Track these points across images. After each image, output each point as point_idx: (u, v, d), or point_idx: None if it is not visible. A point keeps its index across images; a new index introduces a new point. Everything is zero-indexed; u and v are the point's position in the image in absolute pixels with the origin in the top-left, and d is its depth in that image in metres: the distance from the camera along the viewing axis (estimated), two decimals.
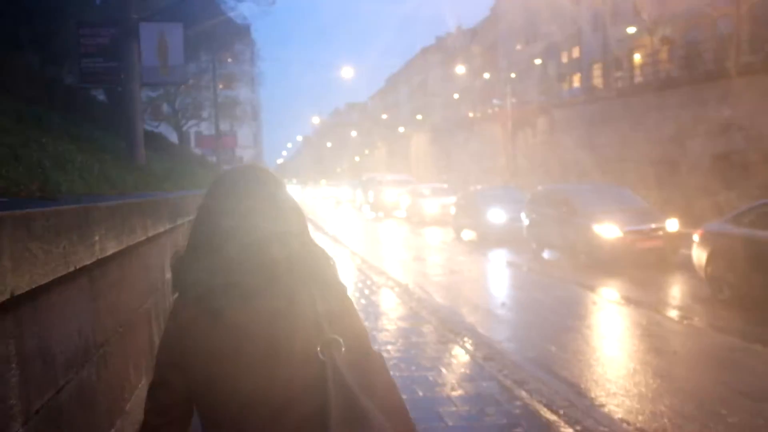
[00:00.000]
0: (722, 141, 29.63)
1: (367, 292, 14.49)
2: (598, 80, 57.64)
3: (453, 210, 29.18)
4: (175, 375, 2.12)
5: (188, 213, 7.16)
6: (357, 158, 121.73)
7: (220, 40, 41.20)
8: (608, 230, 16.49)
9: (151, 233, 4.74)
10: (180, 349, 2.10)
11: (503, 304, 13.60)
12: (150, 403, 2.18)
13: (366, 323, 3.28)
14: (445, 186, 39.82)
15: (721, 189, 27.59)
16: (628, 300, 13.33)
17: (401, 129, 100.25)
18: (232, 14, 41.20)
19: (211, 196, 2.25)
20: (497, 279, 18.27)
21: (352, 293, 11.90)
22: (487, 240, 24.51)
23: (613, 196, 18.78)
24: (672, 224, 16.84)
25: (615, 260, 16.26)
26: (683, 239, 16.44)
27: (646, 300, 13.22)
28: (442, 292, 15.16)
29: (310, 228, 2.37)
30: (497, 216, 24.43)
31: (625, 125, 37.39)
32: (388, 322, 11.48)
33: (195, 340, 2.07)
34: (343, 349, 2.07)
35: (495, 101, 76.69)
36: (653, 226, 16.63)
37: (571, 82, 63.65)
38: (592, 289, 14.61)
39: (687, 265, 14.45)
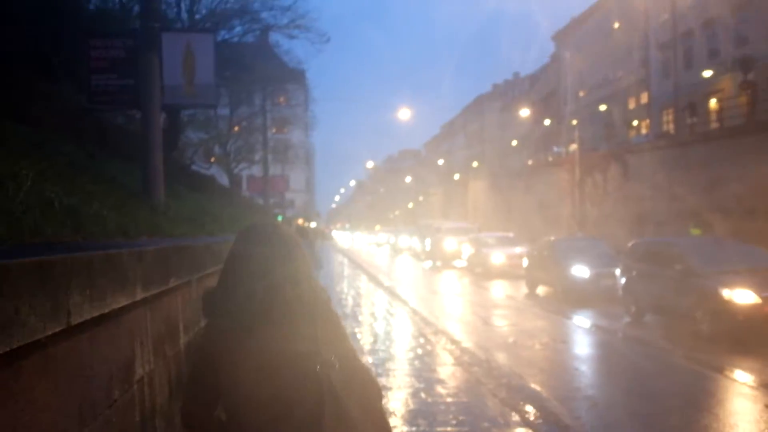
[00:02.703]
0: None
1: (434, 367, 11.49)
2: (668, 126, 54.76)
3: (525, 262, 26.03)
4: (208, 373, 2.89)
5: (203, 266, 5.71)
6: (411, 204, 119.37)
7: (274, 84, 40.21)
8: (741, 295, 13.20)
9: (91, 314, 2.82)
10: (214, 354, 2.86)
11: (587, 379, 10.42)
12: (186, 395, 3.13)
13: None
14: (511, 235, 36.82)
15: None
16: None
17: (456, 176, 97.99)
18: (286, 57, 40.19)
19: (238, 243, 3.06)
20: (583, 347, 15.14)
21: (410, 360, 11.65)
22: (568, 298, 21.21)
23: (738, 252, 15.48)
24: None
25: (750, 333, 12.91)
26: None
27: None
28: (525, 367, 12.11)
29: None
30: (581, 270, 21.19)
31: (711, 172, 33.96)
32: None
33: (227, 349, 2.81)
34: (336, 367, 2.82)
35: (555, 149, 74.41)
36: None
37: (639, 128, 60.56)
38: (719, 370, 11.48)
39: None
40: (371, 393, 3.01)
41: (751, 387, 10.41)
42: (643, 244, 18.57)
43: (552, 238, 28.65)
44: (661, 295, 15.67)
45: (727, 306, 13.31)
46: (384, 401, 9.18)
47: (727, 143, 34.41)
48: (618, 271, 18.26)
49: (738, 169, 32.04)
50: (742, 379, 10.88)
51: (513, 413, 8.60)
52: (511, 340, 14.52)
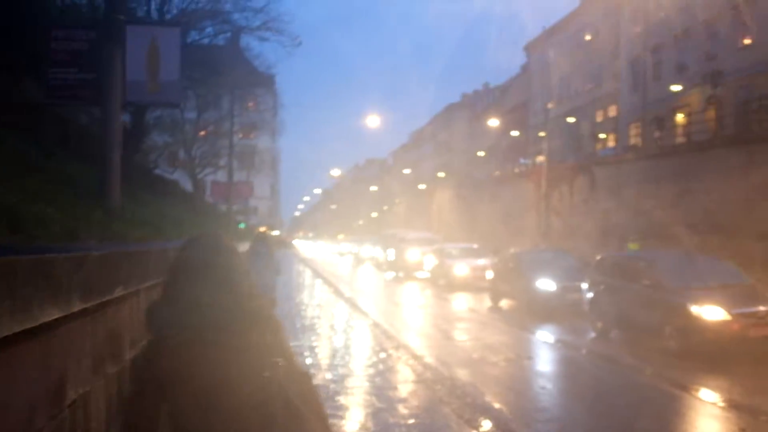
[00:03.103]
0: None
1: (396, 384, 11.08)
2: (635, 139, 54.96)
3: (490, 274, 25.65)
4: (152, 387, 2.76)
5: (158, 273, 5.01)
6: (374, 214, 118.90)
7: (243, 88, 39.89)
8: (710, 312, 12.94)
9: (12, 329, 2.42)
10: (166, 370, 2.73)
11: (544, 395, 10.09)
12: (130, 410, 2.99)
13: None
14: (475, 246, 36.28)
15: None
16: (738, 407, 9.97)
17: (422, 186, 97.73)
18: (256, 62, 39.87)
19: (184, 252, 3.06)
20: (548, 364, 14.74)
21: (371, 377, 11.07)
22: (532, 312, 20.79)
23: (709, 268, 15.15)
24: None
25: (719, 350, 12.67)
26: None
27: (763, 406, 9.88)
28: (488, 384, 11.71)
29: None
30: (547, 284, 20.90)
31: (678, 186, 33.96)
32: None
33: (171, 364, 2.72)
34: (281, 368, 2.84)
35: (522, 160, 74.50)
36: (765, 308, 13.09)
37: (606, 141, 60.76)
38: (687, 389, 11.20)
39: None
40: (312, 392, 3.07)
41: (721, 408, 10.09)
42: (611, 257, 18.29)
43: (517, 250, 28.41)
44: (629, 311, 15.35)
45: (696, 322, 13.03)
46: (342, 422, 8.90)
47: (694, 157, 34.51)
48: (584, 285, 18.02)
49: (705, 184, 32.07)
50: (711, 398, 10.57)
51: None
52: (475, 355, 14.11)
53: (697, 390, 11.03)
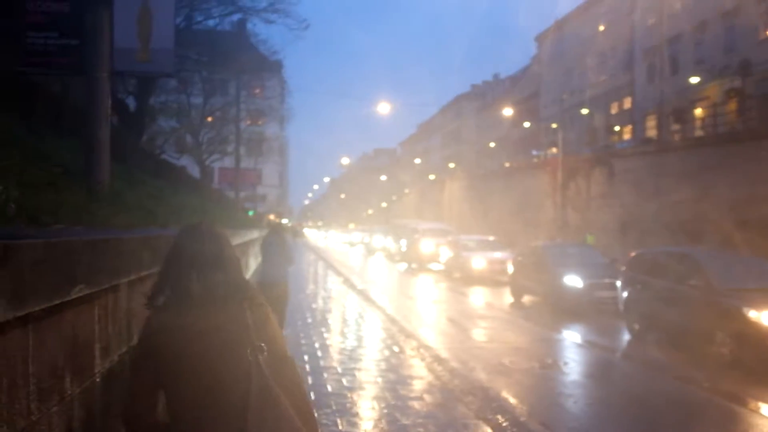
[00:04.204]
0: None
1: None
2: (652, 132, 53.74)
3: (511, 268, 24.39)
4: (147, 364, 2.93)
5: (138, 265, 4.33)
6: (384, 204, 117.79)
7: (249, 73, 39.11)
8: None
9: None
10: (153, 346, 2.92)
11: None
12: (128, 396, 3.11)
13: None
14: (491, 239, 35.05)
15: None
16: None
17: (432, 176, 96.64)
18: (263, 47, 39.02)
19: (176, 241, 3.18)
20: (587, 369, 13.30)
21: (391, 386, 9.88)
22: (558, 309, 19.61)
23: (761, 268, 13.77)
24: None
25: None
26: None
27: None
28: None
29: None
30: (574, 280, 19.67)
31: (701, 180, 32.64)
32: None
33: (165, 340, 2.89)
34: (265, 353, 2.96)
35: (534, 152, 73.32)
36: None
37: (621, 134, 59.53)
38: (741, 402, 10.06)
39: None
40: (297, 376, 3.21)
41: None
42: (650, 254, 16.95)
43: (540, 243, 27.18)
44: (671, 313, 14.10)
45: (753, 328, 11.75)
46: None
47: (719, 150, 33.17)
48: (619, 283, 16.75)
49: (729, 178, 30.77)
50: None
51: None
52: (506, 360, 12.85)
53: (756, 405, 9.83)
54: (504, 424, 8.24)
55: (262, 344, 2.96)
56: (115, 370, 4.01)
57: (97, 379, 3.69)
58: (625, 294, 16.11)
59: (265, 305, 3.20)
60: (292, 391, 3.05)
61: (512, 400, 9.95)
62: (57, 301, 2.78)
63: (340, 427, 7.70)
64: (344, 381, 10.14)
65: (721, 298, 12.64)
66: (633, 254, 17.32)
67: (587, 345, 15.26)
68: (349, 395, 9.30)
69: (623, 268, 17.35)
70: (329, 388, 9.60)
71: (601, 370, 13.02)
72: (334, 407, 8.51)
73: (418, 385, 10.06)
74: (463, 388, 10.07)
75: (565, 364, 12.93)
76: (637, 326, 15.43)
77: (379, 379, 10.40)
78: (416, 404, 8.90)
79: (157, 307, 3.03)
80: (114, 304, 3.96)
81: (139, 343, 3.08)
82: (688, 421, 9.31)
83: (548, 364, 12.72)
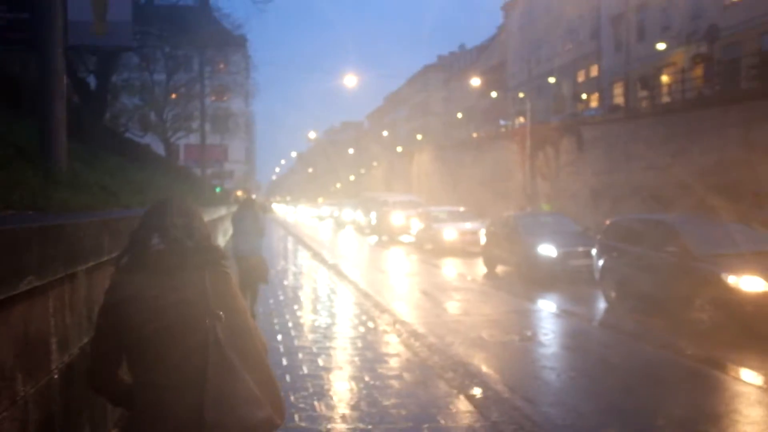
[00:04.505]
0: None
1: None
2: (619, 99, 53.88)
3: (483, 239, 24.19)
4: (109, 330, 2.97)
5: (98, 251, 4.05)
6: (352, 177, 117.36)
7: (213, 48, 38.55)
8: (749, 282, 11.52)
9: None
10: (116, 314, 2.94)
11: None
12: (91, 354, 3.18)
13: None
14: (462, 209, 34.88)
15: None
16: None
17: (399, 149, 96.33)
18: (227, 21, 38.69)
19: (147, 212, 3.22)
20: (557, 339, 13.03)
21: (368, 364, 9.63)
22: (533, 279, 19.45)
23: (739, 233, 13.46)
24: None
25: (759, 325, 11.24)
26: None
27: None
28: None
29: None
30: (548, 249, 19.49)
31: (670, 146, 32.62)
32: None
33: (127, 310, 2.91)
34: (223, 320, 2.94)
35: (502, 122, 73.31)
36: None
37: (588, 102, 59.59)
38: (721, 367, 9.94)
39: None
40: (257, 347, 3.13)
41: (766, 390, 8.85)
42: (625, 221, 16.73)
43: (513, 213, 27.02)
44: (648, 280, 13.97)
45: (732, 294, 11.60)
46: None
47: (685, 116, 33.16)
48: (594, 252, 16.60)
49: (698, 144, 30.77)
50: (754, 380, 9.30)
51: None
52: (484, 333, 12.61)
53: (736, 371, 9.70)
54: (487, 401, 8.02)
55: (221, 312, 2.97)
56: (76, 364, 3.71)
57: (56, 376, 3.42)
58: (600, 262, 15.93)
59: (228, 273, 3.19)
60: (253, 365, 3.03)
61: (494, 375, 9.74)
62: (2, 296, 2.48)
63: (318, 411, 7.40)
64: (320, 361, 9.84)
65: (698, 263, 12.49)
66: (608, 222, 17.17)
67: (564, 314, 15.09)
68: (325, 376, 9.01)
69: (598, 236, 17.22)
70: (305, 370, 9.28)
71: (579, 340, 12.80)
72: (311, 390, 8.20)
73: (396, 363, 9.77)
74: (442, 365, 9.82)
75: (545, 335, 12.77)
76: (613, 294, 15.27)
77: (356, 358, 10.12)
78: (396, 383, 8.63)
79: (122, 266, 3.07)
80: (72, 293, 3.68)
81: (102, 308, 3.05)
82: (670, 388, 9.13)
83: (527, 336, 12.55)
